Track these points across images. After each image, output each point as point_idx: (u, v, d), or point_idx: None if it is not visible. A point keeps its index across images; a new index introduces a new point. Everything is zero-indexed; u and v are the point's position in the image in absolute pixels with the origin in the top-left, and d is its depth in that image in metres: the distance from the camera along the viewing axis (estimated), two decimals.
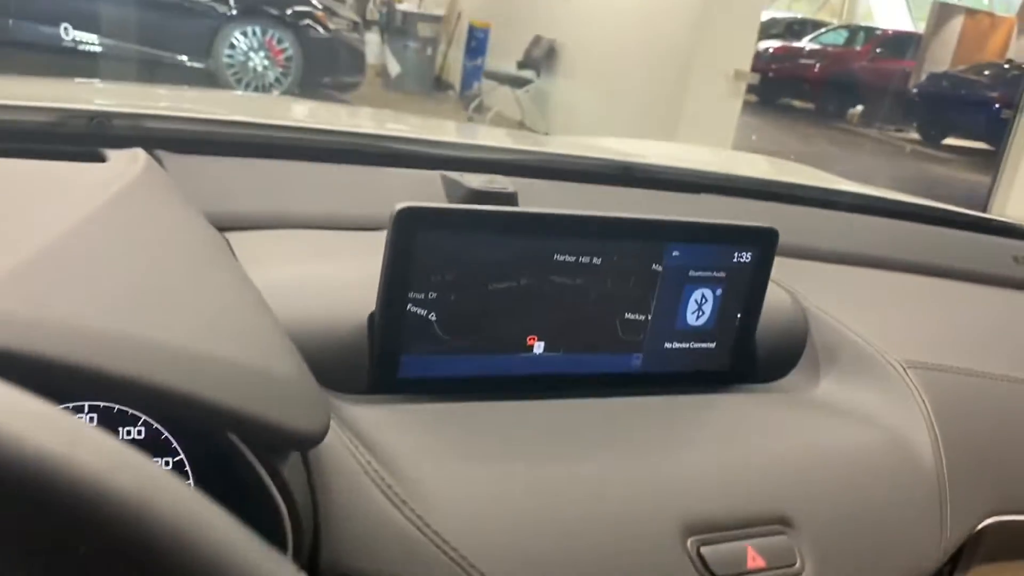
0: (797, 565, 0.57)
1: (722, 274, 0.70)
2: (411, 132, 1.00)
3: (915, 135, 9.82)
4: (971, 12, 11.20)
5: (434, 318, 0.61)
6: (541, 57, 6.30)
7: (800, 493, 0.60)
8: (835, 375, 0.73)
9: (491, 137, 1.57)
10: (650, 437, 0.62)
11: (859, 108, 10.45)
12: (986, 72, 9.49)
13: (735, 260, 0.70)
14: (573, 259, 0.64)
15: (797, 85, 11.05)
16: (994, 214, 1.35)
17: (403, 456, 0.52)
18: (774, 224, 0.69)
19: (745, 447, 0.63)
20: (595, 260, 0.65)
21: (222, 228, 0.70)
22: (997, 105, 8.54)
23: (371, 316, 0.61)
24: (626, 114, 5.24)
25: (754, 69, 5.18)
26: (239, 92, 5.09)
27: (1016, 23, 11.02)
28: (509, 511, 0.52)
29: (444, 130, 1.64)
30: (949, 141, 9.50)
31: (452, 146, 0.98)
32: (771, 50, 11.30)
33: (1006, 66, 9.55)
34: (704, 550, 0.55)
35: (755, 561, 0.56)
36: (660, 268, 0.67)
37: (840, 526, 0.60)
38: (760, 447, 0.63)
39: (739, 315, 0.72)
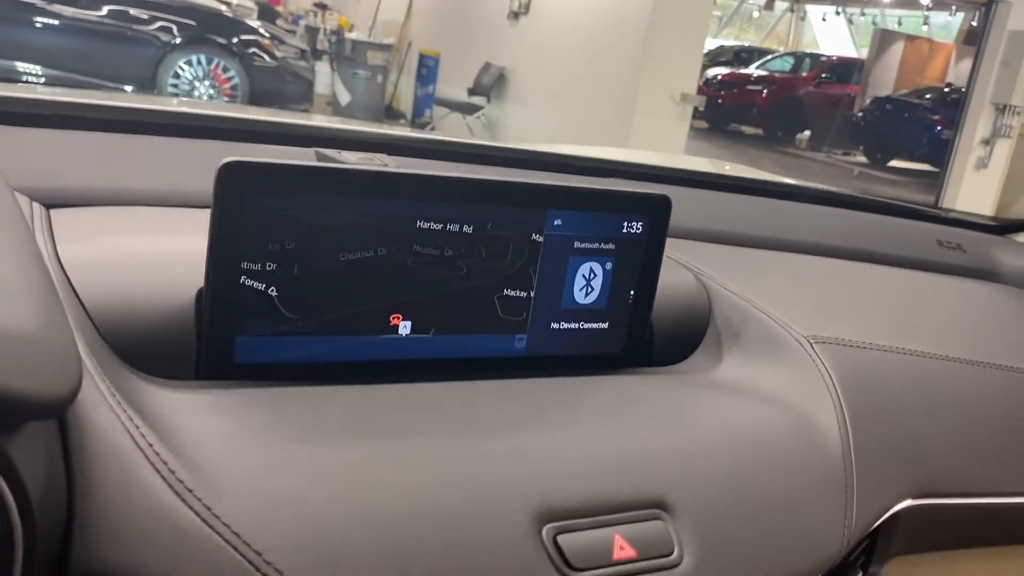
0: (674, 555, 0.50)
1: (611, 246, 0.63)
2: (287, 118, 0.93)
3: (862, 158, 10.01)
4: (911, 38, 11.51)
5: (275, 294, 0.53)
6: (490, 83, 6.29)
7: (682, 476, 0.54)
8: (738, 354, 0.67)
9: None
10: (514, 418, 0.55)
11: (807, 133, 10.63)
12: (927, 95, 9.74)
13: (625, 231, 0.64)
14: (440, 227, 0.57)
15: (746, 111, 11.22)
16: None
17: (201, 441, 0.44)
18: (683, 207, 0.64)
19: (624, 427, 0.56)
20: (466, 228, 0.58)
21: (49, 204, 0.63)
22: (939, 127, 8.76)
23: (199, 292, 0.53)
24: (574, 138, 5.23)
25: (703, 95, 5.21)
26: None
27: (954, 49, 11.35)
28: (323, 501, 0.44)
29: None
30: (894, 163, 9.70)
31: (330, 130, 0.91)
32: (719, 77, 11.48)
33: (946, 89, 9.80)
34: (562, 539, 0.48)
35: (623, 551, 0.49)
36: (541, 238, 0.61)
37: (727, 512, 0.53)
38: (641, 427, 0.57)
39: (632, 292, 0.65)
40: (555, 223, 0.61)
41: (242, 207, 0.51)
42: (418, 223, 0.56)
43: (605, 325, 0.65)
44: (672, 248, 0.76)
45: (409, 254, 0.56)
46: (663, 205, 0.64)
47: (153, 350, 0.51)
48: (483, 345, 0.61)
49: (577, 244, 0.62)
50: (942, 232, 1.01)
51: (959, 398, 0.69)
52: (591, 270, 0.63)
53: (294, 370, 0.55)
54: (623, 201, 0.63)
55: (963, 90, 5.97)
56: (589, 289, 0.64)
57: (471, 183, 0.58)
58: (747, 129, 11.44)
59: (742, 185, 1.00)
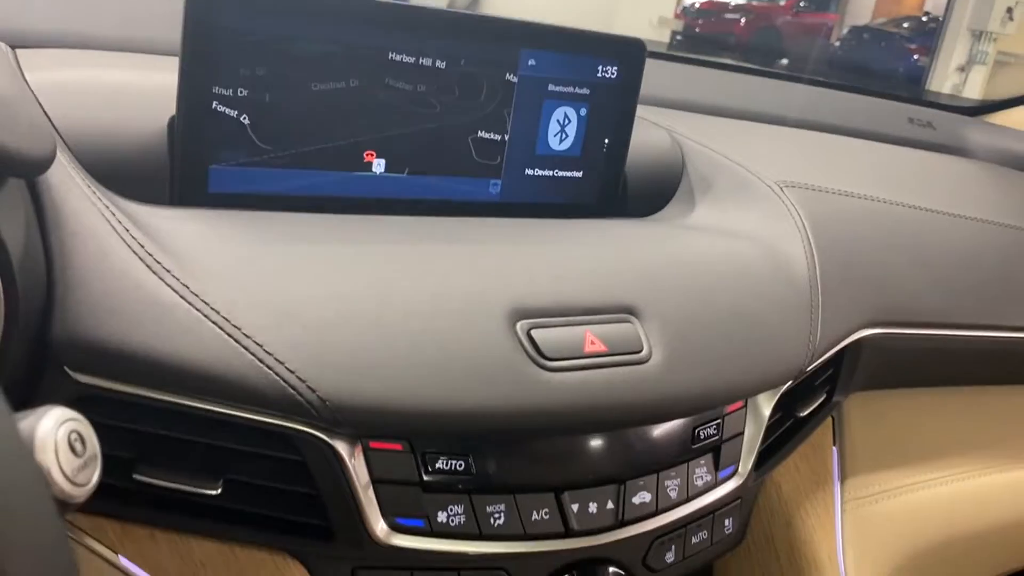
0: (643, 352, 0.52)
1: (586, 91, 0.63)
2: None
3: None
4: None
5: (247, 121, 0.53)
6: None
7: (652, 287, 0.55)
8: (710, 201, 0.67)
9: None
10: (488, 235, 0.56)
11: (784, 62, 10.54)
12: (905, 25, 9.67)
13: (599, 75, 0.63)
14: (412, 60, 0.56)
15: (723, 40, 11.09)
16: None
17: (176, 234, 0.45)
18: (658, 78, 0.64)
19: (597, 247, 0.58)
20: (439, 63, 0.57)
21: (14, 45, 0.61)
22: (915, 56, 8.72)
23: (171, 120, 0.53)
24: None
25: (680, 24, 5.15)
26: None
27: None
28: (302, 289, 0.45)
29: None
30: None
31: None
32: (697, 5, 11.31)
33: (924, 19, 9.74)
34: (535, 333, 0.49)
35: (594, 345, 0.50)
36: (515, 79, 0.60)
37: (696, 319, 0.55)
38: (614, 247, 0.58)
39: (607, 141, 0.65)
40: (529, 63, 0.60)
41: (212, 30, 0.50)
42: (390, 55, 0.56)
43: (579, 174, 0.65)
44: (646, 113, 0.77)
45: (382, 87, 0.56)
46: (637, 50, 0.64)
47: (127, 178, 0.51)
48: (457, 188, 0.61)
49: (551, 87, 0.62)
50: (913, 111, 1.02)
51: (924, 240, 0.71)
52: (566, 115, 0.63)
53: (268, 202, 0.54)
54: (597, 43, 0.63)
55: (940, 18, 5.93)
56: (564, 135, 0.64)
57: (444, 15, 0.57)
58: (725, 58, 11.31)
59: (715, 62, 1.00)
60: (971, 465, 0.77)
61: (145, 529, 0.46)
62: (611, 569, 0.57)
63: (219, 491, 0.46)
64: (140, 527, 0.46)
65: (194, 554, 0.47)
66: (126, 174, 0.51)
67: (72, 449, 0.29)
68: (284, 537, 0.48)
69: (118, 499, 0.45)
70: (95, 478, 0.30)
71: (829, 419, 0.72)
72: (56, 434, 0.28)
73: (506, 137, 0.61)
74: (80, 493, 0.29)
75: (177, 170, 0.52)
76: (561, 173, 0.65)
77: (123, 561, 0.45)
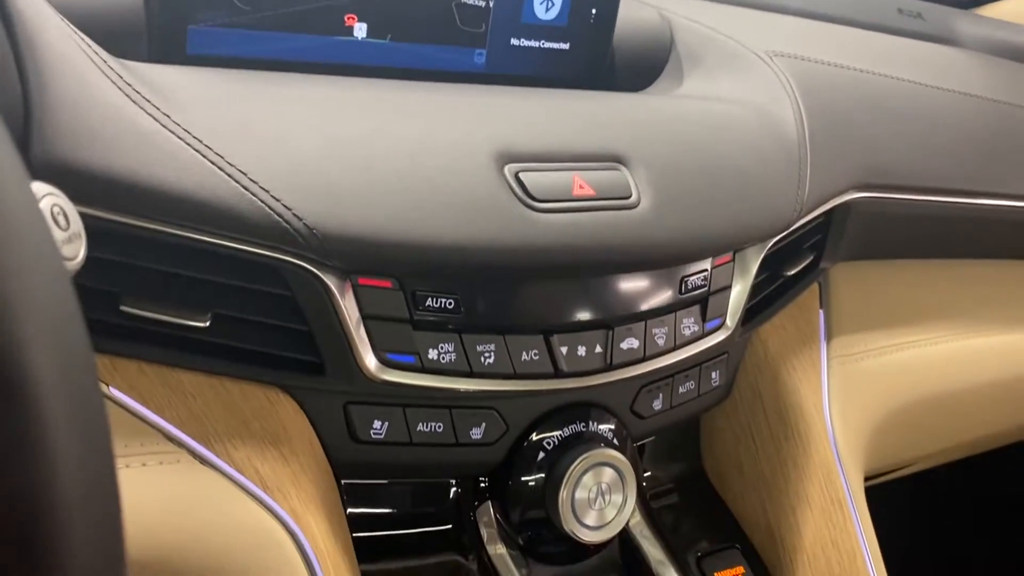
0: (632, 198, 0.54)
1: None
2: None
3: None
4: None
5: None
6: None
7: (642, 138, 0.57)
8: (700, 72, 0.69)
9: None
10: (480, 90, 0.58)
11: None
12: None
13: None
14: None
15: None
16: None
17: (156, 73, 0.46)
18: None
19: (586, 100, 0.59)
20: None
21: None
22: None
23: None
24: None
25: None
26: None
27: None
28: (287, 125, 0.47)
29: None
30: None
31: None
32: None
33: None
34: (524, 176, 0.51)
35: (582, 189, 0.52)
36: None
37: (685, 169, 0.57)
38: (604, 102, 0.60)
39: (594, 11, 0.66)
40: None
41: None
42: None
43: (566, 46, 0.66)
44: None
45: None
46: None
47: (101, 39, 0.51)
48: (442, 57, 0.62)
49: None
50: (903, 1, 1.02)
51: (912, 109, 0.72)
52: None
53: (247, 65, 0.55)
54: None
55: None
56: (550, 4, 0.65)
57: None
58: None
59: None
60: (954, 330, 0.79)
61: (134, 363, 0.47)
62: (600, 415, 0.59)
63: (207, 324, 0.47)
64: (129, 361, 0.47)
65: (184, 385, 0.48)
66: (100, 33, 0.49)
67: (56, 223, 0.30)
68: (275, 372, 0.50)
69: (105, 333, 0.46)
70: (81, 254, 0.31)
71: (816, 285, 0.73)
72: (39, 205, 0.28)
73: (490, 4, 0.62)
74: (69, 268, 0.30)
75: (154, 29, 0.53)
76: (548, 44, 0.66)
77: (113, 391, 0.46)
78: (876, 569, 0.63)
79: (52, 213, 0.30)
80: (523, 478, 0.57)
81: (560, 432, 0.57)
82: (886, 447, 0.72)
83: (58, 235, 0.30)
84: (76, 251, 0.31)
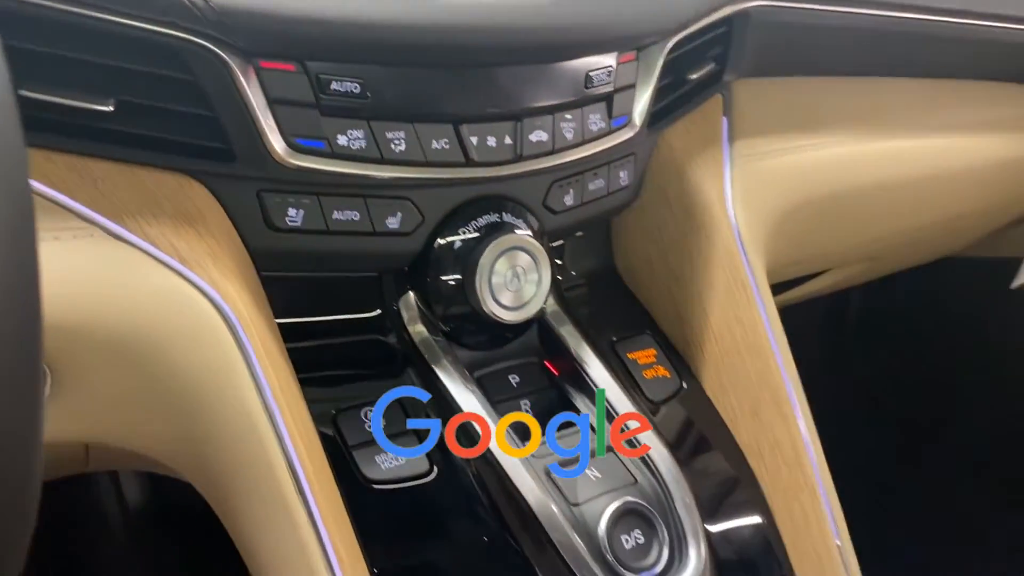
0: None
1: None
2: None
3: None
4: None
5: None
6: None
7: None
8: None
9: None
10: None
11: None
12: None
13: None
14: None
15: None
16: None
17: None
18: None
19: None
20: None
21: None
22: None
23: None
24: None
25: None
26: None
27: None
28: None
29: None
30: None
31: None
32: None
33: None
34: None
35: None
36: None
37: None
38: None
39: None
40: None
41: None
42: None
43: None
44: None
45: None
46: None
47: None
48: None
49: None
50: None
51: None
52: None
53: None
54: None
55: None
56: None
57: None
58: None
59: None
60: (847, 136, 0.83)
61: (41, 152, 0.46)
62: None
63: (112, 109, 0.47)
64: (36, 151, 0.46)
65: (92, 171, 0.48)
66: None
67: None
68: (186, 159, 0.51)
69: None
70: None
71: (720, 96, 0.76)
72: None
73: None
74: None
75: None
76: None
77: None
78: (777, 339, 0.68)
79: None
80: (442, 265, 0.59)
81: (475, 222, 0.59)
82: (785, 241, 0.76)
83: None
84: None
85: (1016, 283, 1.16)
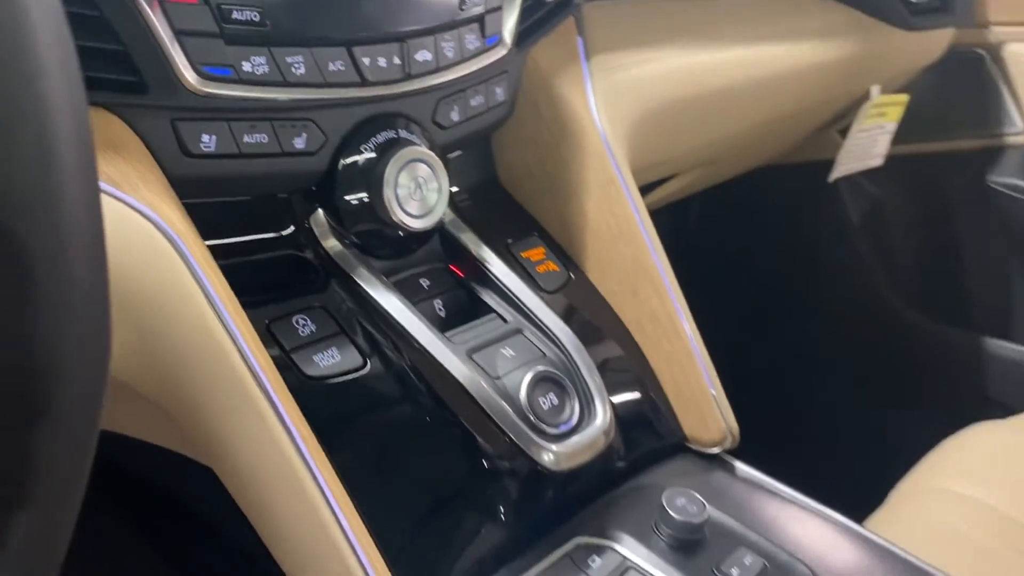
0: None
1: None
2: None
3: None
4: None
5: None
6: None
7: None
8: None
9: None
10: None
11: None
12: None
13: None
14: None
15: None
16: None
17: None
18: None
19: None
20: None
21: None
22: None
23: None
24: None
25: None
26: None
27: None
28: None
29: None
30: None
31: None
32: None
33: None
34: None
35: None
36: None
37: None
38: None
39: None
40: None
41: None
42: None
43: None
44: None
45: None
46: None
47: None
48: None
49: None
50: None
51: None
52: None
53: None
54: None
55: None
56: None
57: None
58: None
59: None
60: (690, 47, 0.94)
61: None
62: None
63: None
64: None
65: None
66: None
67: None
68: (99, 92, 0.53)
69: None
70: None
71: (572, 18, 0.84)
72: None
73: None
74: None
75: None
76: None
77: None
78: (647, 227, 0.77)
79: None
80: (349, 182, 0.64)
81: (375, 139, 0.64)
82: (640, 146, 0.86)
83: None
84: None
85: (833, 176, 1.33)
